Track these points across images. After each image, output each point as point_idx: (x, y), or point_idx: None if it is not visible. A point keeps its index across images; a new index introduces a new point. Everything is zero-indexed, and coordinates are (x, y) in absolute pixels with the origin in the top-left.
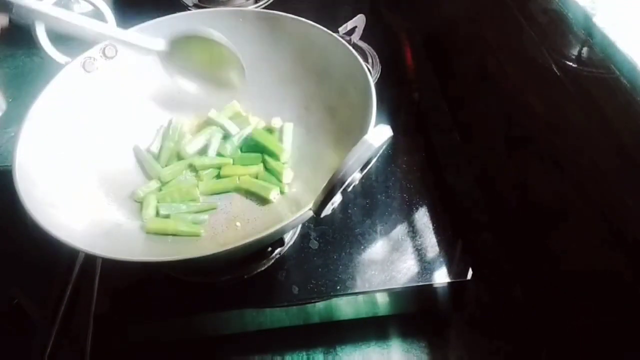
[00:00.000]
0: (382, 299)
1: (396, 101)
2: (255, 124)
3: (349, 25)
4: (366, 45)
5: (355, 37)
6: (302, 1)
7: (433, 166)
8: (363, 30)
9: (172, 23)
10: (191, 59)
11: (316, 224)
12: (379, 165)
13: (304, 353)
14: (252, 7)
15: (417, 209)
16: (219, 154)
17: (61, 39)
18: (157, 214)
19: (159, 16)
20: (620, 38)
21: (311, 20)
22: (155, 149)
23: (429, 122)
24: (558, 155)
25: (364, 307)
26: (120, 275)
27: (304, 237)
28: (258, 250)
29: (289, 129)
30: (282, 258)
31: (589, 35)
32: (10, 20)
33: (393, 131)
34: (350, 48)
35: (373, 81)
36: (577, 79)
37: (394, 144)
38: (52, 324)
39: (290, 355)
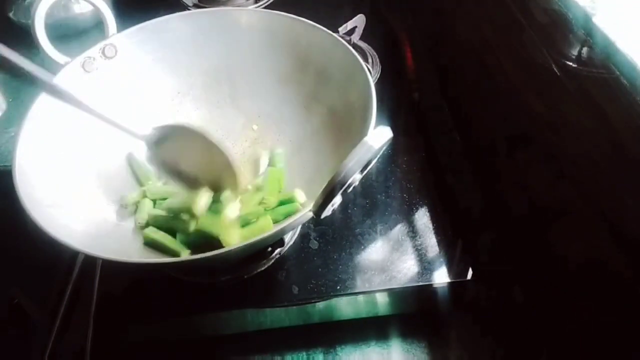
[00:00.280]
0: (382, 299)
1: (396, 101)
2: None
3: (349, 25)
4: (366, 45)
5: (355, 37)
6: (302, 1)
7: (433, 166)
8: (363, 30)
9: (172, 23)
10: (177, 155)
11: (316, 224)
12: (379, 166)
13: (304, 353)
14: (252, 7)
15: (417, 209)
16: None
17: (61, 39)
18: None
19: (159, 16)
20: (620, 38)
21: (311, 20)
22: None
23: (429, 122)
24: (558, 155)
25: (364, 307)
26: (120, 276)
27: (304, 237)
28: (258, 250)
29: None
30: (282, 258)
31: (589, 35)
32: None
33: (393, 131)
34: (350, 48)
35: (373, 81)
36: (577, 79)
37: (394, 144)
38: (52, 324)
39: (290, 355)
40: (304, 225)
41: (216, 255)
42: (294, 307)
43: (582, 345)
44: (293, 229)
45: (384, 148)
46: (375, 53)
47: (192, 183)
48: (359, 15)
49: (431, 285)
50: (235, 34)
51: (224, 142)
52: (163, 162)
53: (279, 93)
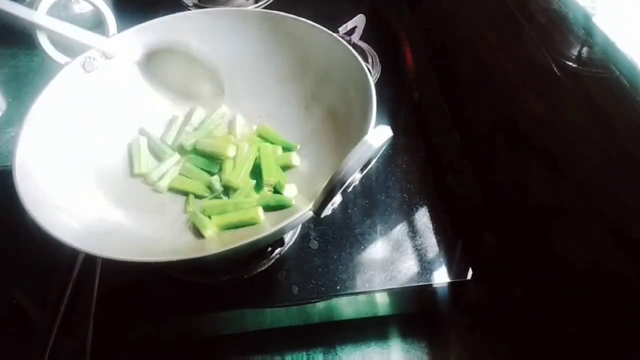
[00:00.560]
0: (382, 299)
1: (396, 101)
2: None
3: (349, 25)
4: (366, 45)
5: (355, 37)
6: (302, 1)
7: (433, 166)
8: (363, 30)
9: (172, 23)
10: (167, 71)
11: (316, 224)
12: (379, 165)
13: (304, 353)
14: (252, 7)
15: (417, 209)
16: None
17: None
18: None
19: (159, 16)
20: (620, 38)
21: (311, 20)
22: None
23: (429, 122)
24: (558, 155)
25: (364, 307)
26: (120, 275)
27: (304, 237)
28: (258, 250)
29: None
30: (282, 258)
31: (589, 35)
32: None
33: (393, 131)
34: (350, 48)
35: (373, 81)
36: (577, 79)
37: (394, 144)
38: (52, 324)
39: (290, 355)
40: (304, 225)
41: (216, 254)
42: (294, 307)
43: (582, 345)
44: (293, 228)
45: (384, 147)
46: (375, 53)
47: (183, 95)
48: (359, 15)
49: (431, 285)
50: (235, 34)
51: (206, 56)
52: (154, 80)
53: (279, 93)
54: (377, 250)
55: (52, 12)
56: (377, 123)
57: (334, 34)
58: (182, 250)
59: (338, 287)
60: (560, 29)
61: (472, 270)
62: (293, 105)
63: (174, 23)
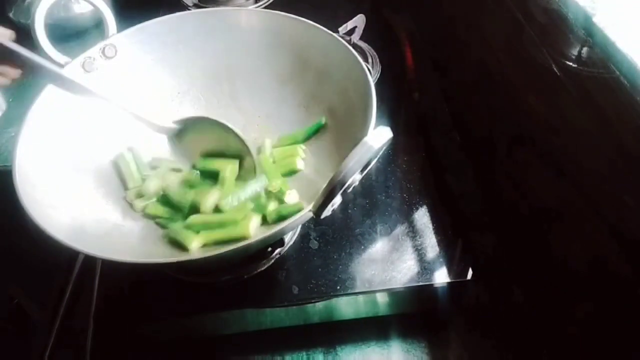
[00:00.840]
0: (382, 299)
1: (396, 101)
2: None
3: (349, 25)
4: (366, 45)
5: (355, 37)
6: (302, 1)
7: (433, 166)
8: (363, 30)
9: (172, 23)
10: (196, 140)
11: (316, 224)
12: (379, 166)
13: (304, 353)
14: (252, 7)
15: (417, 209)
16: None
17: (61, 39)
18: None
19: (158, 16)
20: (620, 38)
21: (311, 20)
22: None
23: (429, 122)
24: (558, 155)
25: (364, 307)
26: (120, 276)
27: (304, 237)
28: (258, 250)
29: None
30: (282, 258)
31: (589, 35)
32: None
33: (393, 131)
34: (350, 48)
35: (373, 81)
36: (577, 79)
37: (394, 144)
38: (52, 324)
39: (290, 355)
40: (304, 225)
41: (216, 255)
42: (294, 307)
43: (582, 345)
44: (293, 229)
45: (384, 148)
46: (375, 53)
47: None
48: (359, 15)
49: (431, 285)
50: (235, 34)
51: (240, 131)
52: (184, 153)
53: (279, 93)
54: (377, 250)
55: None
56: (377, 123)
57: (334, 34)
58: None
59: (338, 287)
60: (560, 29)
61: (472, 270)
62: (293, 105)
63: (174, 23)
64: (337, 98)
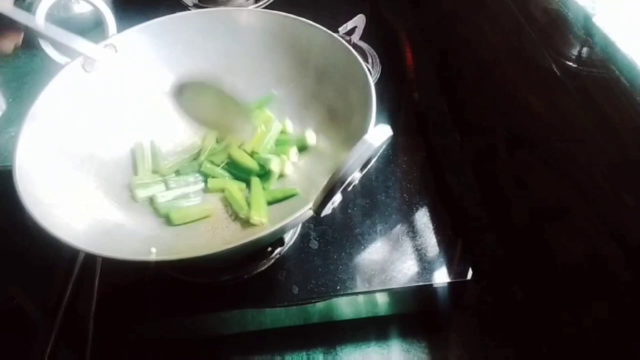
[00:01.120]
0: (382, 299)
1: (396, 101)
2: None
3: (349, 25)
4: (366, 45)
5: (355, 37)
6: (302, 1)
7: (433, 166)
8: (363, 30)
9: (172, 23)
10: (196, 103)
11: (316, 223)
12: (379, 165)
13: (304, 353)
14: (252, 7)
15: (417, 209)
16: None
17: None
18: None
19: (159, 16)
20: (620, 38)
21: (311, 20)
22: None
23: (429, 122)
24: (558, 155)
25: (364, 307)
26: (121, 275)
27: (304, 237)
28: (258, 250)
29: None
30: (282, 258)
31: (589, 35)
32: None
33: (393, 131)
34: (350, 48)
35: (373, 81)
36: (577, 79)
37: (394, 144)
38: (52, 324)
39: (290, 355)
40: (304, 225)
41: (216, 253)
42: (294, 307)
43: (582, 345)
44: (293, 227)
45: (384, 147)
46: (375, 53)
47: (211, 126)
48: (359, 15)
49: (431, 285)
50: (235, 34)
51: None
52: (185, 110)
53: (279, 93)
54: (377, 250)
55: (52, 12)
56: (377, 123)
57: (334, 34)
58: (182, 250)
59: (338, 287)
60: (560, 29)
61: (472, 270)
62: (293, 105)
63: (174, 23)
64: (337, 98)
